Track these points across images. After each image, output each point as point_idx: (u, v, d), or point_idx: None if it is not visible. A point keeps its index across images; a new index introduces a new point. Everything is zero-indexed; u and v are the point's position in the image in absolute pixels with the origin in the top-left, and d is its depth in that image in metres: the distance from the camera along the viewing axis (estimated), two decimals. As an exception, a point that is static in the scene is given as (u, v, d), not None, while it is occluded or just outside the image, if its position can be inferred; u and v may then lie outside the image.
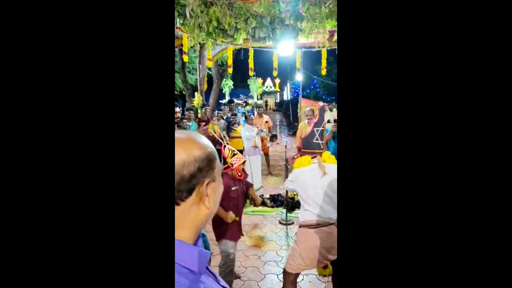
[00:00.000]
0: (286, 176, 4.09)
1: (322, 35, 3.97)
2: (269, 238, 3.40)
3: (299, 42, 4.21)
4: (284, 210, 3.94)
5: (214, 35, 3.71)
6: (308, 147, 1.94)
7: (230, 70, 4.53)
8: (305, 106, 10.69)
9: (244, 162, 2.20)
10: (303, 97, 11.44)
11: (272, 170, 6.37)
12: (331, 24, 3.82)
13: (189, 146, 0.53)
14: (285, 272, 2.01)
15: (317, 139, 1.93)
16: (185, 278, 0.47)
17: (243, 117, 7.52)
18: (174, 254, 0.48)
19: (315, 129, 1.95)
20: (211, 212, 0.54)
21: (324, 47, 4.05)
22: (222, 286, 0.60)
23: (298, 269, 1.97)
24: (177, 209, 0.51)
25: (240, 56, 5.32)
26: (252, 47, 4.40)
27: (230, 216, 2.08)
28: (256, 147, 4.82)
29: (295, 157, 2.12)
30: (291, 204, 4.11)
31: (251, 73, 4.70)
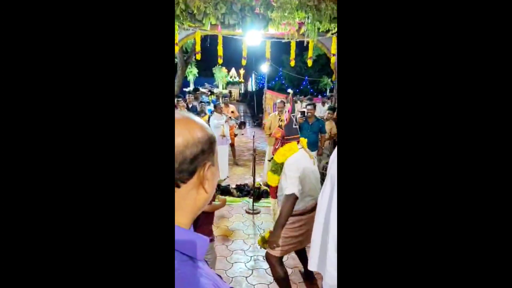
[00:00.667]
0: (253, 167, 4.12)
1: (291, 27, 4.00)
2: (236, 228, 3.41)
3: (268, 33, 4.19)
4: (251, 200, 3.97)
5: (181, 18, 3.54)
6: (290, 134, 1.97)
7: (198, 56, 4.36)
8: (270, 97, 10.78)
9: None
10: (268, 88, 11.52)
11: (238, 160, 6.36)
12: (301, 16, 3.85)
13: (191, 126, 0.51)
14: (271, 256, 2.04)
15: (295, 125, 1.99)
16: (185, 265, 0.44)
17: (210, 106, 7.40)
18: (174, 241, 0.45)
19: (291, 115, 1.99)
20: (209, 197, 0.52)
21: (293, 38, 4.08)
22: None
23: (287, 253, 2.07)
24: (177, 192, 0.48)
25: (206, 43, 5.15)
26: (221, 34, 4.27)
27: (222, 201, 2.05)
28: (224, 135, 4.77)
29: (276, 147, 2.06)
30: (257, 193, 4.15)
31: (220, 60, 4.57)
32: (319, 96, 11.32)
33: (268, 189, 4.58)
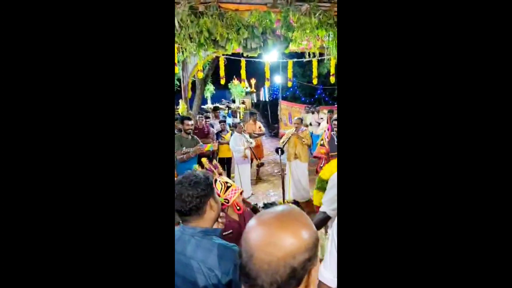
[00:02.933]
0: (283, 184, 4.10)
1: (312, 44, 4.03)
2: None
3: (290, 50, 4.24)
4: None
5: (205, 46, 3.63)
6: (333, 150, 2.01)
7: (222, 81, 4.46)
8: (285, 108, 10.82)
9: (241, 193, 1.86)
10: (282, 99, 11.56)
11: (261, 175, 6.37)
12: (321, 34, 3.88)
13: (297, 229, 0.48)
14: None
15: (336, 142, 2.03)
16: None
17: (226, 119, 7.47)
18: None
19: (332, 133, 2.05)
20: None
21: (315, 57, 4.11)
22: None
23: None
24: None
25: (224, 62, 5.23)
26: (243, 57, 4.35)
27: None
28: (246, 157, 4.78)
29: (321, 166, 2.05)
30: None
31: (243, 84, 4.65)
32: (335, 104, 11.25)
33: (296, 206, 4.59)
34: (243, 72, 4.42)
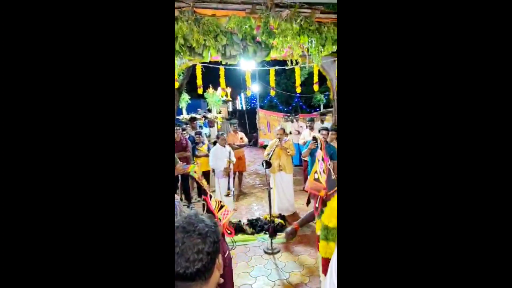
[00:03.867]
0: (269, 199, 3.83)
1: (293, 51, 3.86)
2: (259, 273, 3.12)
3: (271, 58, 4.05)
4: (266, 236, 3.69)
5: (181, 53, 3.35)
6: (332, 188, 1.67)
7: (200, 90, 4.16)
8: (263, 116, 10.68)
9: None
10: (260, 107, 11.41)
11: (243, 188, 6.08)
12: (303, 40, 3.73)
13: None
14: None
15: (333, 175, 1.72)
16: None
17: (202, 129, 7.10)
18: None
19: (328, 164, 1.74)
20: None
21: (297, 64, 3.94)
22: None
23: None
24: None
25: (202, 70, 4.95)
26: (222, 64, 4.10)
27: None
28: (227, 174, 4.43)
29: (317, 206, 1.72)
30: (273, 228, 3.88)
31: (223, 93, 4.38)
32: (314, 111, 11.27)
33: (283, 222, 4.33)
34: (222, 81, 4.16)
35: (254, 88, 11.49)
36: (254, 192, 5.97)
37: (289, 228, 2.08)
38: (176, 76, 4.11)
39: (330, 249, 1.64)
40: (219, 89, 6.91)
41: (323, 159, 1.78)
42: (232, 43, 3.47)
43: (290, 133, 7.76)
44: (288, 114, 8.70)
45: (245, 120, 14.93)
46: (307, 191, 1.77)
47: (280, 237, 3.82)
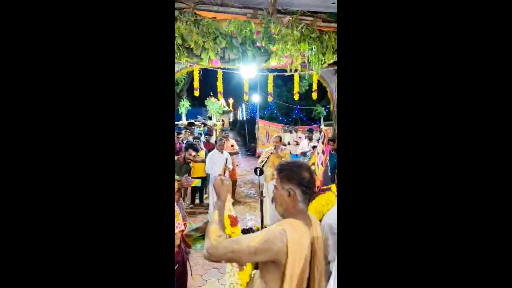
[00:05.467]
0: (261, 208, 3.70)
1: (293, 59, 3.82)
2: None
3: (270, 66, 4.00)
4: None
5: (178, 54, 3.30)
6: (326, 184, 1.61)
7: (196, 93, 4.11)
8: (262, 127, 10.63)
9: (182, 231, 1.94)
10: (260, 118, 11.37)
11: (238, 197, 5.95)
12: (304, 48, 3.69)
13: None
14: None
15: (330, 171, 1.65)
16: None
17: (202, 137, 7.01)
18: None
19: (326, 160, 1.65)
20: None
21: (296, 71, 3.90)
22: None
23: None
24: None
25: (199, 76, 4.91)
26: (220, 68, 4.06)
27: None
28: (223, 180, 4.32)
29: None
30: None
31: (220, 96, 4.33)
32: (314, 124, 11.23)
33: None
34: (219, 84, 4.11)
35: (255, 98, 11.49)
36: (248, 202, 5.83)
37: None
38: (176, 81, 4.06)
39: None
40: (222, 100, 6.90)
41: (323, 152, 1.71)
42: (231, 47, 3.43)
43: (289, 143, 7.67)
44: (287, 125, 8.65)
45: (245, 130, 14.95)
46: None
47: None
